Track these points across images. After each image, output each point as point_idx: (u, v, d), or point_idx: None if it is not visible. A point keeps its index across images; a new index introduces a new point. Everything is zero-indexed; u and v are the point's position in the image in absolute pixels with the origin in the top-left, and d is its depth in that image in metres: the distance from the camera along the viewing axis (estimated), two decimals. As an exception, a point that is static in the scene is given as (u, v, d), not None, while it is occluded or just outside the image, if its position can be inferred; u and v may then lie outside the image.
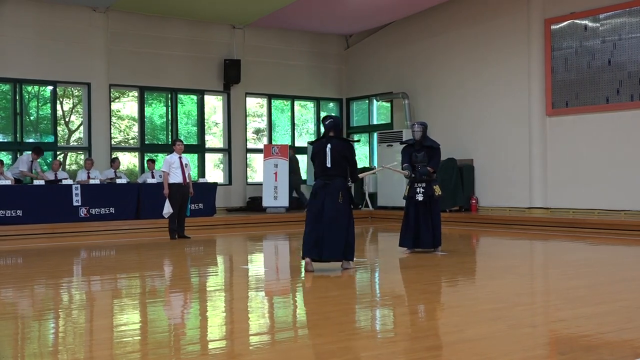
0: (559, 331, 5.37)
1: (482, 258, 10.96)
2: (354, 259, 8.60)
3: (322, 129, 8.75)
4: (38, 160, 15.54)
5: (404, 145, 10.71)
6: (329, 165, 8.33)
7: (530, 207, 16.39)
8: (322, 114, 21.09)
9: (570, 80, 15.80)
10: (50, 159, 16.46)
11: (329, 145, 8.38)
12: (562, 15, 15.94)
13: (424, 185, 10.17)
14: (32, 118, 17.53)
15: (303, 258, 8.44)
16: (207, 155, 19.37)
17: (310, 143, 9.01)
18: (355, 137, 20.91)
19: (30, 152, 15.48)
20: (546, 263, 10.45)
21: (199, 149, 18.96)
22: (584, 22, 15.60)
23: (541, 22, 16.28)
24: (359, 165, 19.35)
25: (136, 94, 18.22)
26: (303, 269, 8.39)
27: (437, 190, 10.26)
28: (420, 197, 10.17)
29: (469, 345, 4.85)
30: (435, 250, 10.32)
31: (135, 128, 18.53)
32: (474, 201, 17.29)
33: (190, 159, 16.13)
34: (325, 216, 8.26)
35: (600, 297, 6.73)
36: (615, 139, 15.07)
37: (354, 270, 8.46)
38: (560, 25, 16.01)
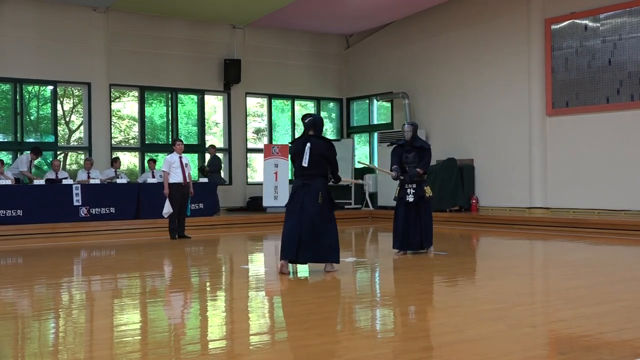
0: (559, 331, 5.37)
1: (482, 258, 10.95)
2: (339, 261, 8.37)
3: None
4: (37, 160, 15.53)
5: (394, 145, 10.57)
6: (305, 164, 8.12)
7: (531, 207, 16.39)
8: (323, 114, 21.10)
9: (571, 80, 15.80)
10: (51, 159, 16.46)
11: (307, 144, 8.18)
12: (562, 15, 15.94)
13: (414, 186, 10.08)
14: (32, 118, 17.54)
15: (281, 259, 8.23)
16: (208, 155, 19.35)
17: (290, 143, 8.78)
18: (356, 137, 20.92)
19: (29, 152, 15.49)
20: (546, 263, 10.45)
21: (199, 148, 18.96)
22: (584, 22, 15.60)
23: (541, 22, 16.28)
24: (358, 165, 19.53)
25: (136, 93, 18.24)
26: (278, 270, 8.23)
27: (428, 191, 10.18)
28: (410, 198, 10.05)
29: (468, 345, 4.85)
30: (426, 251, 10.22)
31: (136, 128, 18.53)
32: (474, 201, 17.29)
33: (191, 159, 16.13)
34: (304, 218, 8.05)
35: (600, 297, 6.73)
36: (616, 139, 15.07)
37: (337, 272, 8.25)
38: (560, 25, 16.01)
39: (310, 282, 8.00)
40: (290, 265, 8.33)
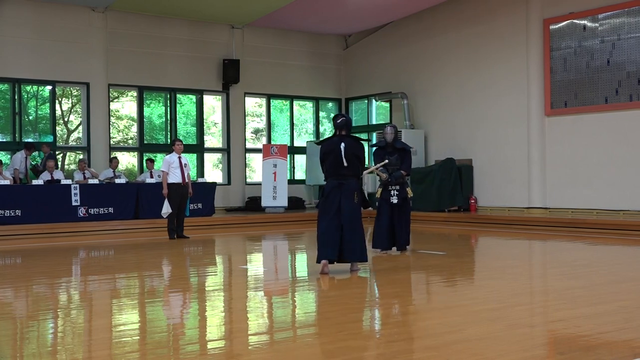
0: (557, 331, 5.37)
1: (481, 258, 10.96)
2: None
3: (327, 128, 8.62)
4: (32, 155, 15.48)
5: (375, 147, 10.81)
6: (345, 164, 8.19)
7: (529, 207, 16.39)
8: (322, 114, 21.12)
9: (569, 80, 15.80)
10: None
11: (342, 145, 8.21)
12: (561, 15, 15.95)
13: (397, 187, 10.34)
14: (31, 118, 17.52)
15: (319, 260, 8.21)
16: (206, 155, 19.38)
17: (317, 143, 8.85)
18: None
19: (23, 150, 15.48)
20: (545, 263, 10.46)
21: (198, 148, 18.96)
22: (582, 22, 15.60)
23: (540, 22, 16.29)
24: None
25: (135, 93, 18.22)
26: (320, 270, 8.19)
27: (410, 192, 10.49)
28: (394, 200, 10.33)
29: (467, 345, 4.85)
30: (405, 250, 10.48)
31: (134, 128, 18.52)
32: (473, 201, 17.30)
33: (189, 159, 16.12)
34: (345, 218, 8.14)
35: (599, 297, 6.73)
36: (614, 139, 15.08)
37: (360, 270, 8.46)
38: (559, 25, 16.02)
39: (309, 282, 8.00)
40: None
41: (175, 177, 12.93)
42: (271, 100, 20.29)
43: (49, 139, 16.99)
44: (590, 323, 5.49)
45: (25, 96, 17.31)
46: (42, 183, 14.60)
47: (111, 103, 17.93)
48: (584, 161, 15.57)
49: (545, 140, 16.28)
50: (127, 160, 19.25)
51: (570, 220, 14.52)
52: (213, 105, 19.85)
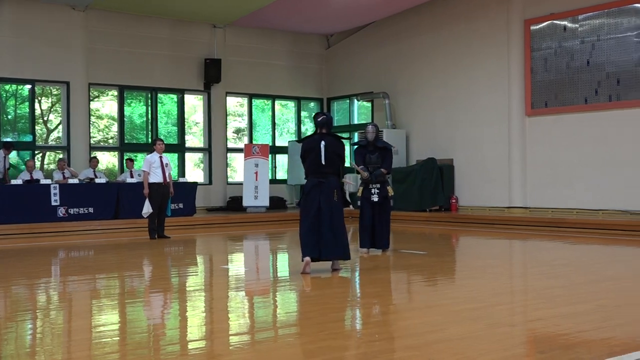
0: (537, 330, 5.40)
1: (462, 257, 11.00)
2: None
3: (307, 126, 8.64)
4: (10, 155, 15.32)
5: (356, 146, 10.85)
6: (323, 162, 8.20)
7: (510, 206, 16.48)
8: (303, 114, 21.11)
9: (550, 80, 15.91)
10: (28, 158, 16.30)
11: (322, 142, 8.23)
12: (542, 15, 16.05)
13: (378, 186, 10.35)
14: (9, 117, 17.36)
15: (303, 258, 8.23)
16: (187, 155, 19.31)
17: (299, 141, 8.87)
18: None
19: (1, 149, 15.34)
20: (525, 262, 10.52)
21: (179, 148, 18.88)
22: (563, 22, 15.71)
23: (521, 22, 16.38)
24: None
25: (116, 93, 18.12)
26: (302, 269, 8.19)
27: (391, 191, 10.51)
28: (375, 198, 10.34)
29: (448, 344, 4.86)
30: (385, 251, 10.45)
31: (115, 127, 18.41)
32: (453, 201, 17.36)
33: (170, 159, 16.05)
34: (324, 216, 8.15)
35: (578, 296, 6.78)
36: (594, 139, 15.19)
37: (342, 269, 8.47)
38: (539, 25, 16.12)
39: (290, 282, 7.99)
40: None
41: (156, 177, 12.86)
42: (253, 100, 20.26)
43: (28, 138, 16.85)
44: (569, 322, 5.53)
45: (4, 95, 17.15)
46: (21, 183, 14.46)
47: (91, 102, 17.82)
48: (564, 161, 15.68)
49: (526, 140, 16.37)
50: (107, 160, 19.13)
51: (550, 219, 14.62)
52: (194, 104, 19.78)
